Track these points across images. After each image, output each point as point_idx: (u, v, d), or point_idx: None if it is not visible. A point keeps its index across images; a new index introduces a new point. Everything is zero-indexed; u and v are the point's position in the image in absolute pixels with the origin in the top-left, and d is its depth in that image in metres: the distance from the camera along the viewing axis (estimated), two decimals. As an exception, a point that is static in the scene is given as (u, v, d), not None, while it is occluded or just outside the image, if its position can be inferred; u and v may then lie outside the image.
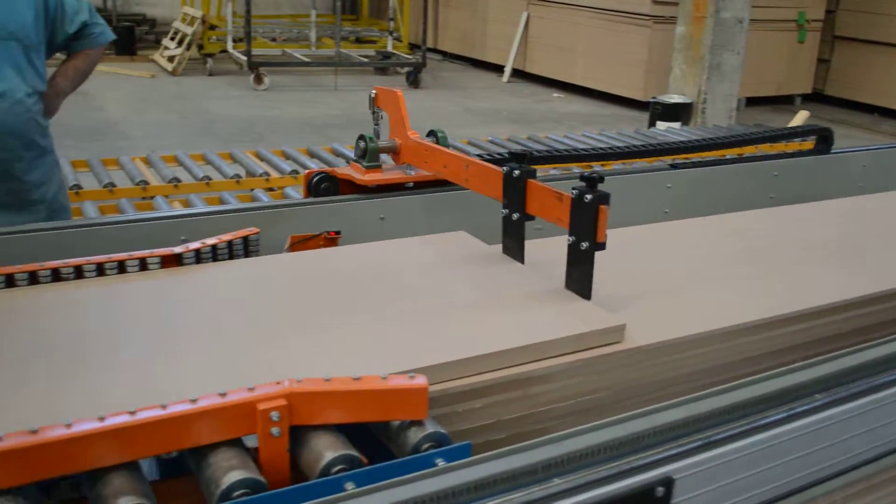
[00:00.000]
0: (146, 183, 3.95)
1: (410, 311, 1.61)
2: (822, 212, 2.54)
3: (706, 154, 3.24)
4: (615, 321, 1.55)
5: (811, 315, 1.81)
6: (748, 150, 5.16)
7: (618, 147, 2.83)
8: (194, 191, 4.00)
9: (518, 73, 11.47)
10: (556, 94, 10.57)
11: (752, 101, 10.60)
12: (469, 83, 11.12)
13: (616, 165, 3.53)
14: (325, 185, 2.34)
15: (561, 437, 1.18)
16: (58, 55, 2.76)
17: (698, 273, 1.97)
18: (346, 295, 1.69)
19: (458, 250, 1.95)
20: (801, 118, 7.14)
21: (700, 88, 7.80)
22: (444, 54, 13.18)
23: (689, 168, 2.84)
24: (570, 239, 1.67)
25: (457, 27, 12.84)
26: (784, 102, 10.88)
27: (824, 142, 3.15)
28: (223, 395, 1.17)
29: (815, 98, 11.30)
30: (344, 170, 2.38)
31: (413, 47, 12.06)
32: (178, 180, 4.03)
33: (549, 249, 1.89)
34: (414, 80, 10.55)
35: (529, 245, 1.88)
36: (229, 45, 10.86)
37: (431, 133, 2.39)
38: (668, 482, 1.16)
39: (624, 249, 2.07)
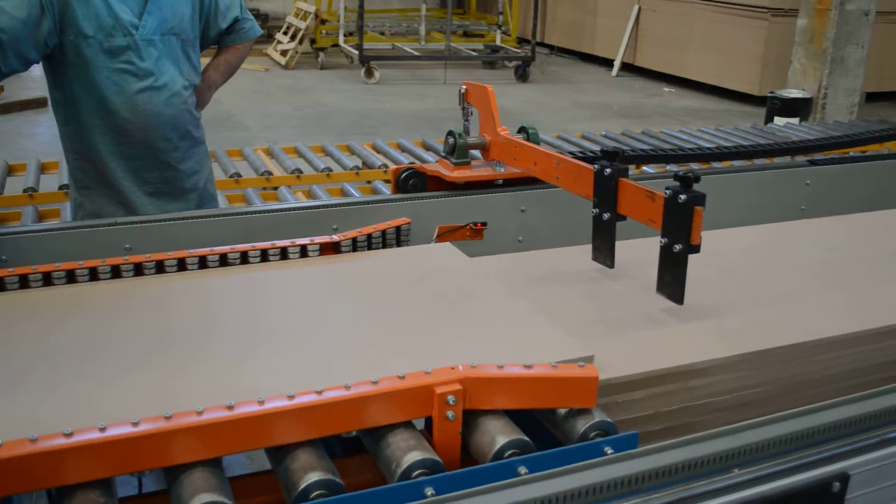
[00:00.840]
0: (270, 173, 4.08)
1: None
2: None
3: (824, 153, 3.14)
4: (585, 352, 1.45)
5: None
6: (872, 148, 5.00)
7: (707, 147, 2.75)
8: (316, 182, 4.11)
9: (627, 67, 11.34)
10: (666, 89, 10.41)
11: (873, 97, 10.21)
12: (578, 77, 11.06)
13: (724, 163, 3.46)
14: (412, 182, 2.33)
15: (736, 430, 1.19)
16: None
17: (838, 273, 1.94)
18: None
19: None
20: (929, 114, 6.86)
21: (821, 83, 7.58)
22: (552, 48, 13.12)
23: (826, 165, 2.79)
24: (663, 241, 1.62)
25: (565, 21, 12.77)
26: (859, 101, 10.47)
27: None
28: (402, 377, 1.22)
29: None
30: (432, 166, 2.38)
31: (521, 41, 12.06)
32: (300, 171, 4.15)
33: (640, 250, 1.87)
34: (522, 74, 10.55)
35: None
36: (340, 40, 11.05)
37: (522, 129, 2.38)
38: (844, 478, 1.16)
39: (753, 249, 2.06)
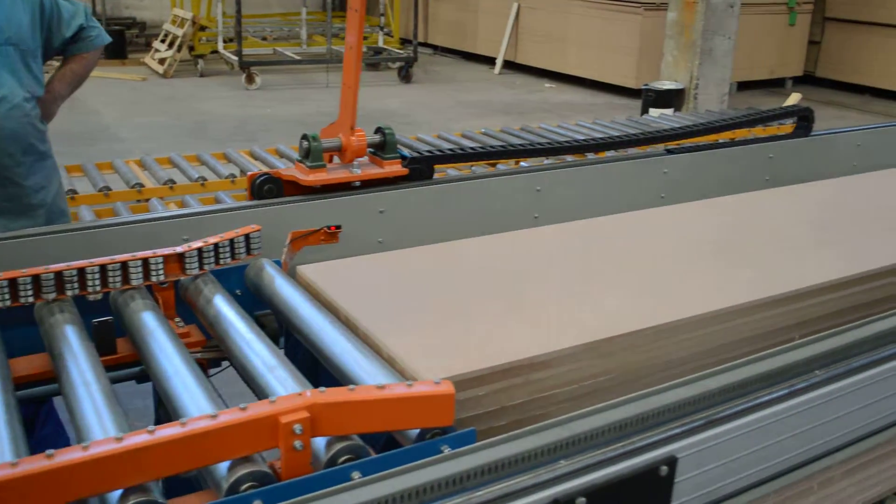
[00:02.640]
0: (141, 185, 3.96)
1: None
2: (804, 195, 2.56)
3: (692, 140, 3.23)
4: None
5: (813, 293, 1.84)
6: (741, 134, 5.19)
7: (538, 144, 2.78)
8: (190, 192, 4.02)
9: (510, 65, 11.47)
10: (547, 85, 10.58)
11: (745, 86, 10.61)
12: (461, 76, 11.13)
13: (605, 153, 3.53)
14: (268, 187, 2.27)
15: (566, 420, 1.19)
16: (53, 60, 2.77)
17: (696, 256, 2.00)
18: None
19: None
20: (793, 100, 7.15)
21: (692, 74, 7.81)
22: (436, 48, 13.18)
23: (683, 153, 2.85)
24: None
25: (447, 21, 12.83)
26: (776, 86, 10.89)
27: (805, 121, 3.16)
28: (244, 408, 1.16)
29: (807, 80, 11.31)
30: (288, 171, 2.31)
31: (404, 42, 12.06)
32: (174, 182, 4.04)
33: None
34: (405, 75, 10.55)
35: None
36: (220, 46, 10.84)
37: (379, 130, 2.34)
38: (671, 461, 1.18)
39: (619, 235, 2.11)
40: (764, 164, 3.07)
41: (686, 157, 2.86)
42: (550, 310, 1.64)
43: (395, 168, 2.33)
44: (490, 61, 11.65)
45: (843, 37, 10.95)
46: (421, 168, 2.39)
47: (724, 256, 2.00)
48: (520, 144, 2.67)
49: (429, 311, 1.64)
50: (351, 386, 1.22)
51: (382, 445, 1.32)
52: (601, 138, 3.24)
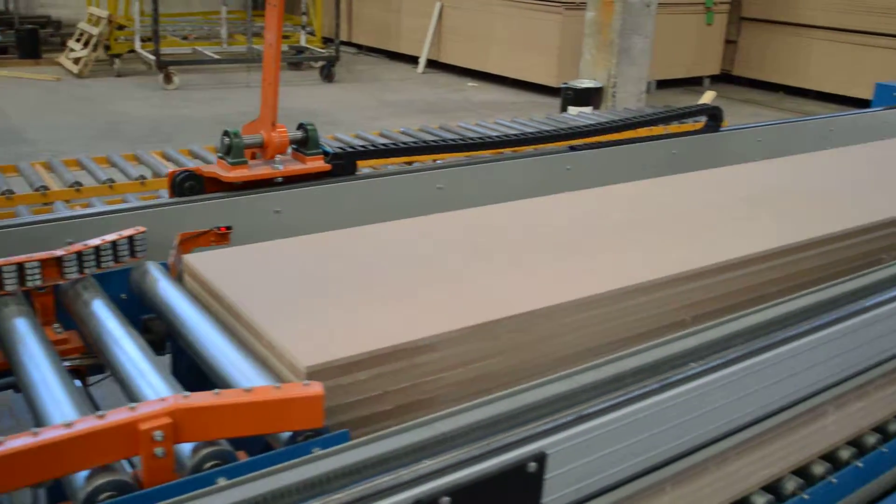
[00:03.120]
0: (46, 188, 3.85)
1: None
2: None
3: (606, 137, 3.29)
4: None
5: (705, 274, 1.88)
6: (656, 131, 5.27)
7: (433, 141, 2.81)
8: (97, 194, 3.92)
9: (433, 64, 11.47)
10: (470, 84, 10.60)
11: (664, 84, 10.78)
12: (384, 75, 11.09)
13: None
14: (189, 184, 2.26)
15: (431, 420, 1.18)
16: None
17: (590, 240, 2.02)
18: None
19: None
20: (708, 98, 7.28)
21: (610, 73, 7.91)
22: (360, 47, 13.10)
23: (586, 150, 2.88)
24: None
25: (371, 20, 12.77)
26: (694, 84, 11.09)
27: (714, 120, 3.24)
28: (102, 416, 1.12)
29: (724, 79, 11.54)
30: (210, 167, 2.30)
31: (327, 41, 11.96)
32: (80, 184, 3.94)
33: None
34: (328, 75, 10.47)
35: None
36: (137, 45, 10.61)
37: (301, 126, 2.35)
38: (540, 457, 1.18)
39: (516, 221, 2.12)
40: (668, 160, 3.12)
41: (589, 154, 2.89)
42: (437, 294, 1.64)
43: (317, 164, 2.35)
44: (414, 60, 11.63)
45: (758, 36, 11.22)
46: (343, 164, 2.40)
47: (619, 239, 2.02)
48: (433, 141, 2.66)
49: (314, 298, 1.62)
50: (216, 390, 1.20)
51: (261, 449, 1.29)
52: (509, 135, 3.25)
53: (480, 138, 2.88)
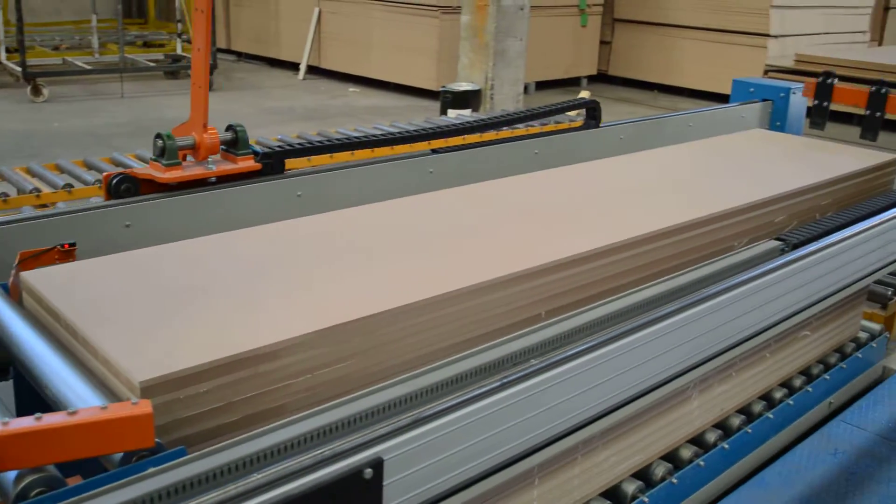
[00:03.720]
0: (-84, 208, 3.67)
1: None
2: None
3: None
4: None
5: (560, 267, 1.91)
6: (533, 131, 5.35)
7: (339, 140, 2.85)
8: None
9: (315, 70, 11.39)
10: (352, 89, 10.57)
11: (543, 85, 10.98)
12: (264, 83, 10.94)
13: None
14: (125, 186, 2.30)
15: (266, 431, 1.17)
16: None
17: (443, 240, 2.03)
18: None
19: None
20: (582, 96, 7.46)
21: (487, 75, 8.00)
22: (240, 55, 12.90)
23: (447, 153, 2.90)
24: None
25: (250, 26, 12.59)
26: (572, 84, 11.34)
27: (593, 114, 3.33)
28: None
29: (601, 79, 11.84)
30: (144, 170, 2.34)
31: (205, 49, 11.70)
32: (-44, 201, 3.77)
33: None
34: (206, 83, 10.26)
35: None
36: (2, 56, 10.19)
37: (231, 128, 2.46)
38: (377, 463, 1.17)
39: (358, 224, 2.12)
40: (530, 160, 3.16)
41: (452, 156, 2.91)
42: (284, 300, 1.62)
43: (248, 163, 2.46)
44: (295, 67, 11.52)
45: (631, 36, 11.55)
46: (272, 163, 2.51)
47: (472, 238, 2.04)
48: (356, 138, 2.72)
49: (157, 310, 1.58)
50: (38, 414, 1.15)
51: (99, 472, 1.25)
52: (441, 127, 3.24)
53: (392, 134, 3.00)
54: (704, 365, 1.98)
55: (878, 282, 3.70)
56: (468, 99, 7.84)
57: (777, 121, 4.13)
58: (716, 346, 1.93)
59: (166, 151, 2.31)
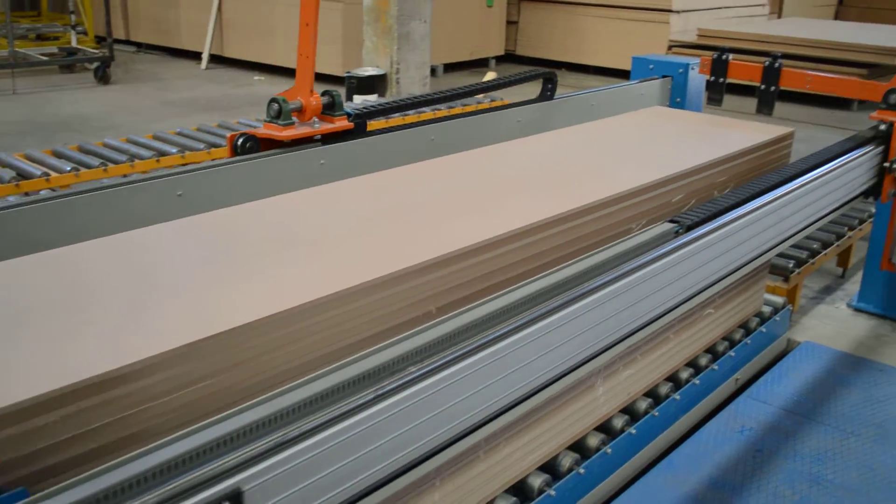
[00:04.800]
0: None
1: None
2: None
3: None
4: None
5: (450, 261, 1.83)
6: (428, 117, 5.29)
7: None
8: None
9: (218, 59, 11.08)
10: (257, 77, 10.32)
11: (451, 67, 10.90)
12: (166, 74, 10.61)
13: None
14: (249, 145, 2.67)
15: (107, 469, 1.05)
16: None
17: (320, 238, 1.93)
18: None
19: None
20: (489, 78, 7.37)
21: (392, 59, 7.88)
22: (140, 45, 12.48)
23: (338, 143, 2.79)
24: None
25: (149, 16, 12.18)
26: (480, 65, 11.27)
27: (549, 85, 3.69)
28: None
29: (509, 59, 11.81)
30: (263, 130, 2.72)
31: (101, 41, 11.30)
32: None
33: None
34: (102, 76, 9.87)
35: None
36: None
37: (327, 93, 2.86)
38: (236, 495, 1.07)
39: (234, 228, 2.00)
40: (427, 146, 3.08)
41: (342, 147, 2.80)
42: (147, 314, 1.49)
43: (343, 123, 2.86)
44: (197, 57, 11.18)
45: (538, 16, 11.53)
46: (362, 122, 2.91)
47: (356, 234, 1.95)
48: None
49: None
50: None
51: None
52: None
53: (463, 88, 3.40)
54: (603, 354, 1.93)
55: (780, 255, 3.73)
56: (374, 84, 7.71)
57: (677, 97, 4.12)
58: (614, 334, 1.88)
59: (282, 113, 2.70)
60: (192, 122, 6.62)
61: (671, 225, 2.03)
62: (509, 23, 11.74)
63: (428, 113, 5.61)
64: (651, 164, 2.62)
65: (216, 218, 2.07)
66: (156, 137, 5.81)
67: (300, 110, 2.78)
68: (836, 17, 15.22)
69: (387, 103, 3.24)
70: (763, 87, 3.49)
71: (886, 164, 3.10)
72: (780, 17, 13.22)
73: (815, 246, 4.08)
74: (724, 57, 3.61)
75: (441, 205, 2.18)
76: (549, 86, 3.70)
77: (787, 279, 3.77)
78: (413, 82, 8.00)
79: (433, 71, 10.37)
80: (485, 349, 1.47)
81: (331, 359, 1.58)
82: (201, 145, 5.58)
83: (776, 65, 3.46)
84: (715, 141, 2.99)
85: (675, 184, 2.51)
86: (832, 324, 3.94)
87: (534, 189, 2.35)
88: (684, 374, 3.01)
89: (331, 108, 2.84)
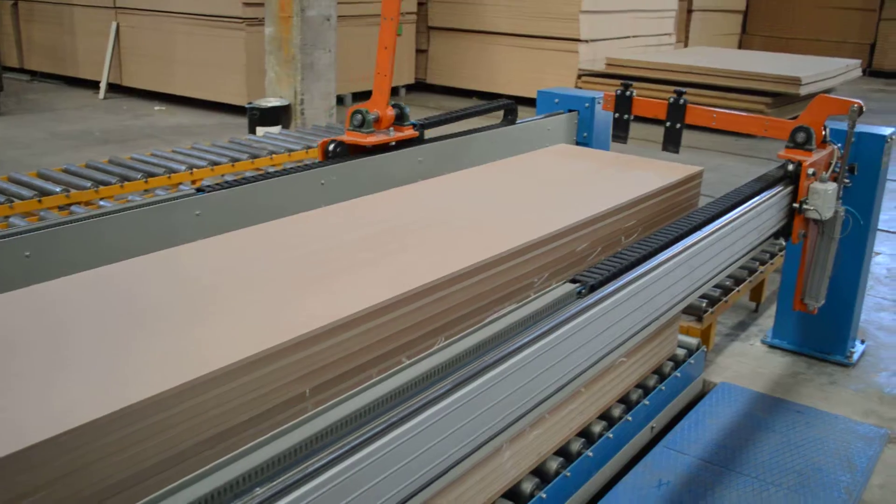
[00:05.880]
0: None
1: None
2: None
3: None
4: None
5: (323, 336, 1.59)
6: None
7: None
8: None
9: (117, 88, 10.66)
10: (157, 108, 9.93)
11: (362, 96, 10.69)
12: (61, 104, 10.13)
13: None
14: (339, 149, 3.13)
15: None
16: None
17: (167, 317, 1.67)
18: None
19: None
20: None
21: (296, 89, 7.62)
22: (34, 74, 11.95)
23: (216, 190, 2.54)
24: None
25: (44, 43, 11.67)
26: (392, 94, 11.09)
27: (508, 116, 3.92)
28: None
29: (420, 87, 11.67)
30: (349, 137, 3.16)
31: (-5, 69, 10.76)
32: None
33: None
34: (-9, 107, 9.38)
35: None
36: None
37: (397, 105, 3.31)
38: None
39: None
40: (317, 190, 2.85)
41: (220, 195, 2.55)
42: None
43: (410, 132, 3.34)
44: (96, 85, 10.74)
45: (448, 44, 11.43)
46: (423, 131, 3.44)
47: (212, 303, 1.70)
48: None
49: None
50: None
51: None
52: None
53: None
54: (502, 434, 1.72)
55: (692, 296, 3.60)
56: (277, 115, 7.45)
57: (584, 132, 3.98)
58: (510, 415, 1.67)
59: (365, 123, 3.16)
60: (85, 156, 6.27)
61: (572, 286, 1.84)
62: (419, 51, 11.61)
63: (283, 155, 5.52)
64: (553, 210, 2.44)
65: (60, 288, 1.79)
66: (40, 175, 5.44)
67: (378, 121, 3.20)
68: (740, 46, 15.58)
69: (446, 115, 3.73)
70: (668, 124, 3.36)
71: (796, 205, 2.99)
72: (686, 45, 13.42)
73: (727, 283, 3.98)
74: (627, 93, 3.47)
75: (310, 267, 1.93)
76: (510, 116, 3.96)
77: (700, 319, 3.65)
78: (318, 113, 7.76)
79: (342, 100, 10.15)
80: (366, 447, 1.25)
81: (182, 459, 1.34)
82: (88, 183, 5.22)
83: (681, 101, 3.33)
84: (622, 183, 2.83)
85: (579, 233, 2.33)
86: (748, 362, 3.83)
87: (422, 245, 2.13)
88: (597, 428, 2.83)
89: (400, 119, 3.32)
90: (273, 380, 1.53)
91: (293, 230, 2.22)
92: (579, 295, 1.83)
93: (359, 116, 3.19)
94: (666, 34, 12.06)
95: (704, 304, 3.69)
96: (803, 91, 9.18)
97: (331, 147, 3.10)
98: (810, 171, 2.96)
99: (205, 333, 1.56)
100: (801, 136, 3.02)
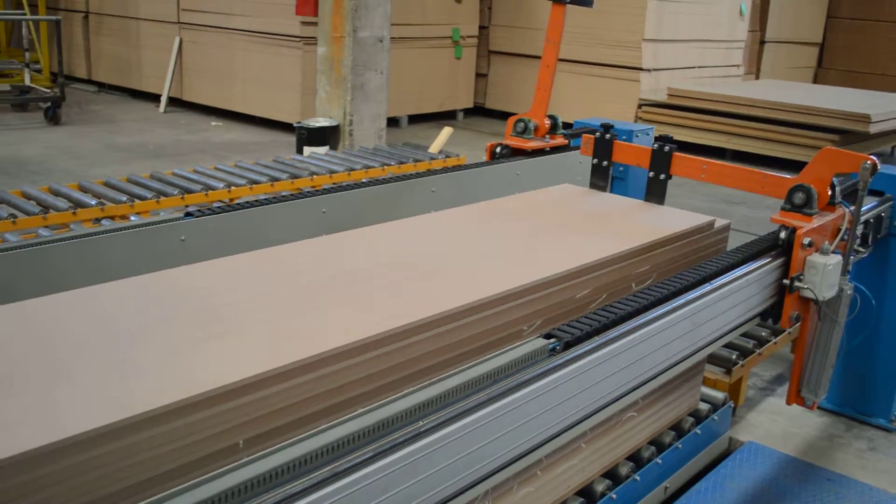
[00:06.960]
0: None
1: None
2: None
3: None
4: None
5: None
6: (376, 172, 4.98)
7: None
8: None
9: (177, 102, 10.78)
10: (214, 123, 10.00)
11: (417, 119, 10.62)
12: (122, 116, 10.27)
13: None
14: (505, 152, 3.71)
15: None
16: None
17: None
18: None
19: None
20: (445, 134, 7.06)
21: (345, 110, 7.56)
22: (102, 85, 12.18)
23: (204, 216, 2.43)
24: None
25: (111, 56, 11.89)
26: (447, 118, 11.00)
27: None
28: None
29: (478, 111, 11.56)
30: (513, 142, 3.71)
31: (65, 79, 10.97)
32: None
33: None
34: (53, 116, 9.53)
35: None
36: None
37: (550, 116, 3.80)
38: None
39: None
40: (318, 219, 2.73)
41: (208, 221, 2.45)
42: None
43: (561, 140, 3.85)
44: (158, 99, 10.88)
45: (508, 69, 11.31)
46: (571, 140, 3.91)
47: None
48: None
49: None
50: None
51: None
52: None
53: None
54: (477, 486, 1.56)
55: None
56: (325, 135, 7.40)
57: (620, 166, 3.80)
58: (459, 481, 1.51)
59: (526, 130, 3.70)
60: (134, 170, 6.28)
61: (544, 342, 1.67)
62: (479, 75, 11.51)
63: (325, 176, 5.40)
64: (552, 254, 2.27)
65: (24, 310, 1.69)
66: (80, 187, 5.44)
67: (536, 129, 3.71)
68: (815, 80, 15.10)
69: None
70: (652, 174, 3.00)
71: (786, 282, 2.54)
72: (757, 78, 13.06)
73: (763, 333, 3.73)
74: (607, 137, 3.18)
75: (272, 308, 1.80)
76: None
77: (728, 371, 3.42)
78: (368, 134, 7.68)
79: (397, 122, 10.09)
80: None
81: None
82: (124, 197, 5.19)
83: (665, 149, 2.99)
84: (631, 228, 2.64)
85: (576, 279, 2.15)
86: (781, 420, 3.59)
87: (405, 287, 1.98)
88: (599, 487, 2.64)
89: (553, 129, 3.81)
90: (203, 428, 1.40)
91: (232, 271, 2.09)
92: (552, 352, 1.66)
93: (521, 124, 3.73)
94: (734, 65, 11.74)
95: (734, 356, 3.46)
96: (873, 129, 8.81)
97: (497, 150, 3.69)
98: (806, 240, 2.51)
99: (125, 375, 1.44)
100: (798, 197, 2.59)
